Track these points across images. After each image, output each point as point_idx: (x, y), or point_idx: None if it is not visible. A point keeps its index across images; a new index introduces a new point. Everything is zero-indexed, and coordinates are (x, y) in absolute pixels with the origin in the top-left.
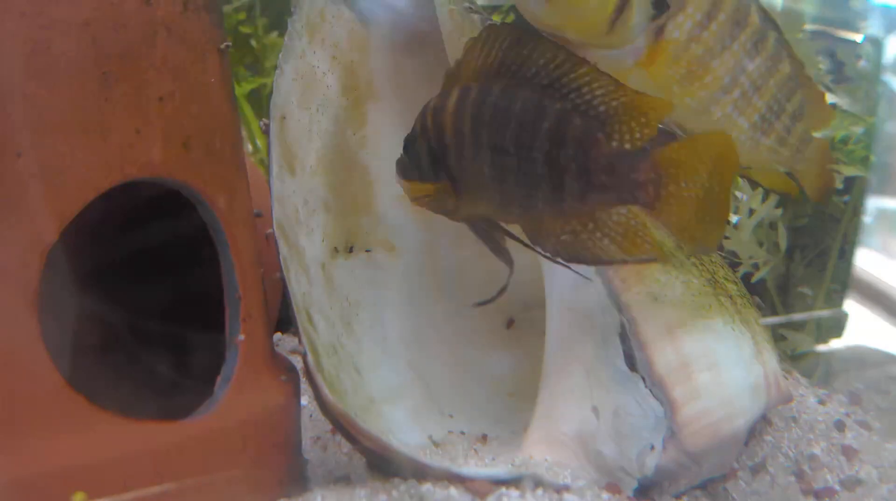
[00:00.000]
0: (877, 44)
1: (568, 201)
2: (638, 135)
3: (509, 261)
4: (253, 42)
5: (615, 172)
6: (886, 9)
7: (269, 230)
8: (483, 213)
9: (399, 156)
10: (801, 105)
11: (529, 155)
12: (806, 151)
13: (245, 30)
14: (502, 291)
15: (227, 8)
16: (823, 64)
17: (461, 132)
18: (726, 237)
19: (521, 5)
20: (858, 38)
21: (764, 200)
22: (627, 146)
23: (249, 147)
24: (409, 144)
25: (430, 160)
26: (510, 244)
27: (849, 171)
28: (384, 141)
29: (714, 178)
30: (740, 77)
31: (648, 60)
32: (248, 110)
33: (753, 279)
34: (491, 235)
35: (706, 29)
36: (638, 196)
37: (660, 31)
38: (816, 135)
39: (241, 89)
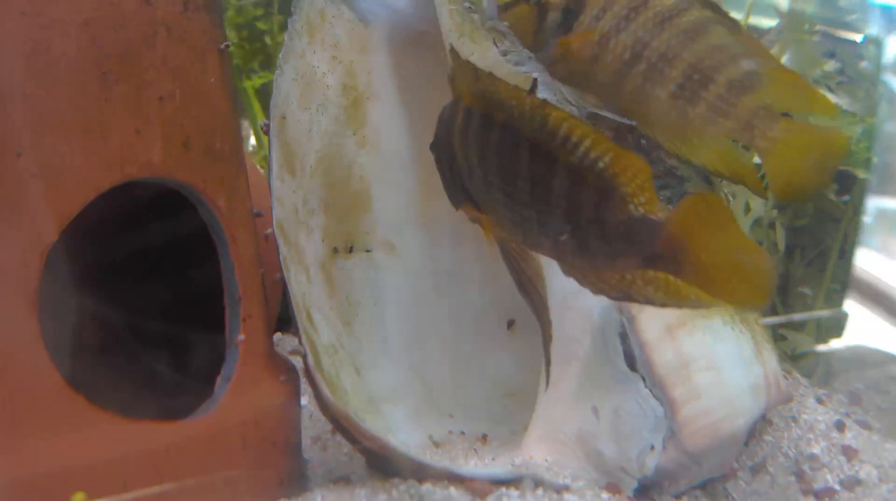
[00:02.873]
0: (877, 44)
1: (597, 258)
2: (645, 197)
3: (543, 309)
4: (267, 39)
5: (635, 240)
6: (886, 9)
7: (269, 230)
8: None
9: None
10: (747, 76)
11: (546, 208)
12: (770, 131)
13: (261, 26)
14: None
15: (244, 1)
16: (828, 65)
17: (470, 162)
18: None
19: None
20: (858, 38)
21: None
22: (641, 209)
23: (255, 143)
24: (433, 148)
25: (451, 177)
26: None
27: (858, 173)
28: (384, 141)
29: (726, 236)
30: (644, 52)
31: (560, 57)
32: (257, 106)
33: None
34: (520, 277)
35: (601, 20)
36: (663, 267)
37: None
38: (814, 123)
39: (253, 84)
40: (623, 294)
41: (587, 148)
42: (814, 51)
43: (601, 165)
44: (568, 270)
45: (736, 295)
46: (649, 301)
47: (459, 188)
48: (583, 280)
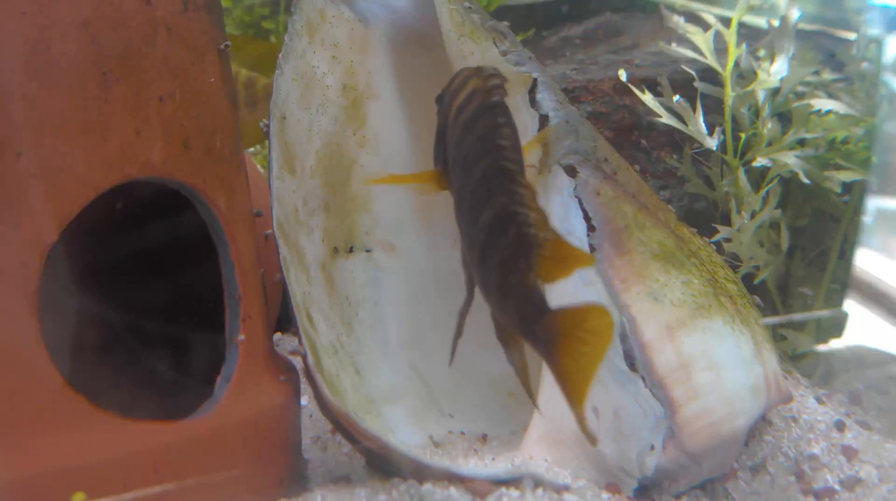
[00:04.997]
0: (877, 44)
1: (488, 299)
2: (547, 277)
3: (469, 285)
4: (273, 38)
5: (520, 307)
6: (886, 9)
7: (269, 231)
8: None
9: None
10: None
11: (472, 231)
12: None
13: (267, 25)
14: (459, 332)
15: (252, 0)
16: (826, 72)
17: (452, 141)
18: (727, 240)
19: None
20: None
21: (764, 201)
22: (539, 290)
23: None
24: (438, 102)
25: (438, 138)
26: None
27: (849, 176)
28: (384, 141)
29: (589, 349)
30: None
31: None
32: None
33: (756, 281)
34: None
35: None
36: (536, 346)
37: None
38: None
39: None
40: (502, 341)
41: (531, 206)
42: (807, 53)
43: (532, 232)
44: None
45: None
46: (511, 360)
47: (440, 151)
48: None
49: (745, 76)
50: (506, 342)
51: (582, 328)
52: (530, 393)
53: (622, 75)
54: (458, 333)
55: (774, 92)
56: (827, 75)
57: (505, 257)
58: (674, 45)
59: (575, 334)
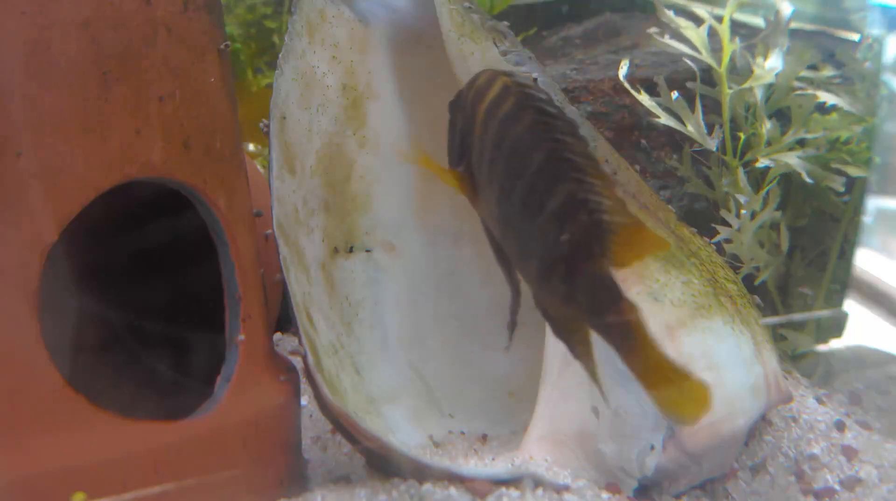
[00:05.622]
0: (878, 44)
1: (553, 292)
2: (620, 263)
3: (513, 281)
4: (275, 38)
5: (594, 298)
6: (886, 9)
7: (269, 231)
8: (492, 229)
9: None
10: None
11: (528, 225)
12: None
13: (270, 24)
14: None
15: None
16: (825, 69)
17: (483, 141)
18: (728, 241)
19: None
20: (857, 38)
21: (765, 202)
22: (615, 276)
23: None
24: (452, 101)
25: (459, 140)
26: None
27: (854, 171)
28: (384, 141)
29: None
30: None
31: None
32: None
33: (757, 282)
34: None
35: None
36: (607, 334)
37: None
38: None
39: (258, 82)
40: (562, 336)
41: (604, 194)
42: (803, 48)
43: (607, 217)
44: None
45: (669, 402)
46: (576, 355)
47: (461, 152)
48: (535, 297)
49: (741, 73)
50: (567, 336)
51: None
52: (600, 386)
53: (624, 67)
54: (512, 327)
55: (771, 89)
56: (825, 72)
57: (575, 245)
58: (667, 36)
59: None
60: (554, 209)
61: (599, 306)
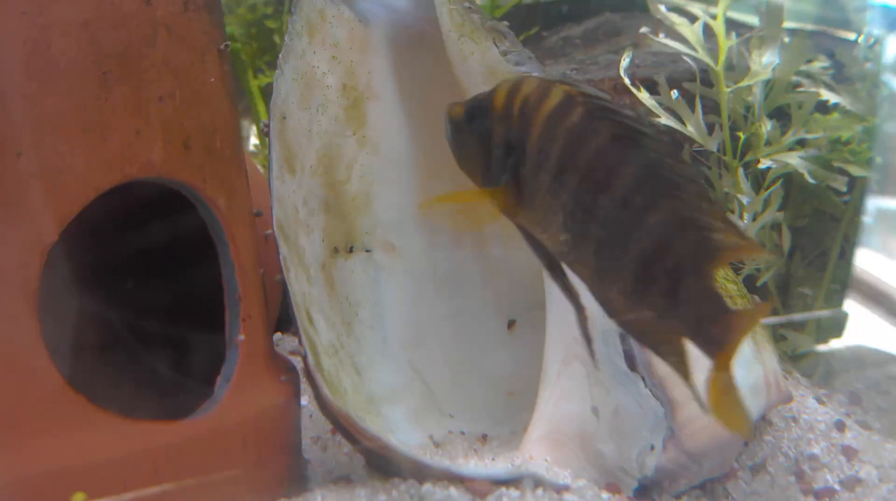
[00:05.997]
0: (878, 44)
1: (640, 301)
2: (721, 280)
3: (574, 296)
4: (275, 38)
5: (698, 313)
6: (886, 9)
7: (269, 231)
8: (546, 243)
9: (453, 116)
10: None
11: (619, 239)
12: None
13: (270, 24)
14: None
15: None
16: (816, 62)
17: (546, 152)
18: None
19: None
20: (857, 37)
21: (766, 203)
22: (720, 291)
23: (257, 143)
24: (476, 111)
25: (503, 151)
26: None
27: (856, 170)
28: (384, 141)
29: None
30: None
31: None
32: (262, 106)
33: (758, 283)
34: (550, 262)
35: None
36: (705, 346)
37: None
38: None
39: (258, 82)
40: (649, 344)
41: (711, 212)
42: (799, 47)
43: (716, 236)
44: (597, 295)
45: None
46: (669, 362)
47: (503, 168)
48: (609, 308)
49: (738, 72)
50: (656, 346)
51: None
52: (695, 392)
53: (626, 59)
54: (589, 343)
55: (770, 85)
56: (817, 63)
57: (680, 262)
58: (661, 35)
59: (749, 332)
60: (655, 225)
61: (704, 319)
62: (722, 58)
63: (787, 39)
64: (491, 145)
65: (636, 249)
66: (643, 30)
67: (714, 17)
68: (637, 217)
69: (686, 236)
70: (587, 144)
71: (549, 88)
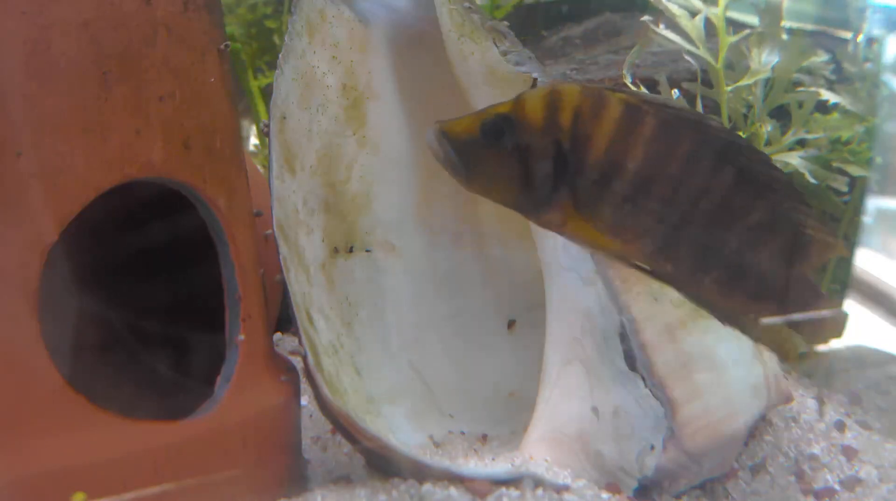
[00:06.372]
0: (878, 43)
1: (737, 291)
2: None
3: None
4: (275, 38)
5: (801, 300)
6: (886, 9)
7: (269, 231)
8: (617, 247)
9: (459, 134)
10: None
11: (717, 237)
12: None
13: (270, 24)
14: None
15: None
16: (820, 56)
17: (620, 163)
18: None
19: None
20: (858, 37)
21: None
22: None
23: (257, 143)
24: (501, 126)
25: (551, 166)
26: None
27: (856, 170)
28: (384, 141)
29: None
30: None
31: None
32: (262, 106)
33: None
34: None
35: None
36: (811, 334)
37: None
38: None
39: (258, 83)
40: (739, 326)
41: (803, 208)
42: (798, 45)
43: (810, 232)
44: (685, 287)
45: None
46: (759, 340)
47: (553, 184)
48: (698, 299)
49: (738, 71)
50: (739, 326)
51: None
52: (786, 346)
53: (634, 54)
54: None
55: (770, 83)
56: (814, 58)
57: (780, 255)
58: (662, 25)
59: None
60: (755, 223)
61: (803, 303)
62: (723, 54)
63: (786, 38)
64: (530, 162)
65: (735, 245)
66: (645, 18)
67: (714, 15)
68: (734, 217)
69: (785, 234)
70: (674, 153)
71: (603, 96)
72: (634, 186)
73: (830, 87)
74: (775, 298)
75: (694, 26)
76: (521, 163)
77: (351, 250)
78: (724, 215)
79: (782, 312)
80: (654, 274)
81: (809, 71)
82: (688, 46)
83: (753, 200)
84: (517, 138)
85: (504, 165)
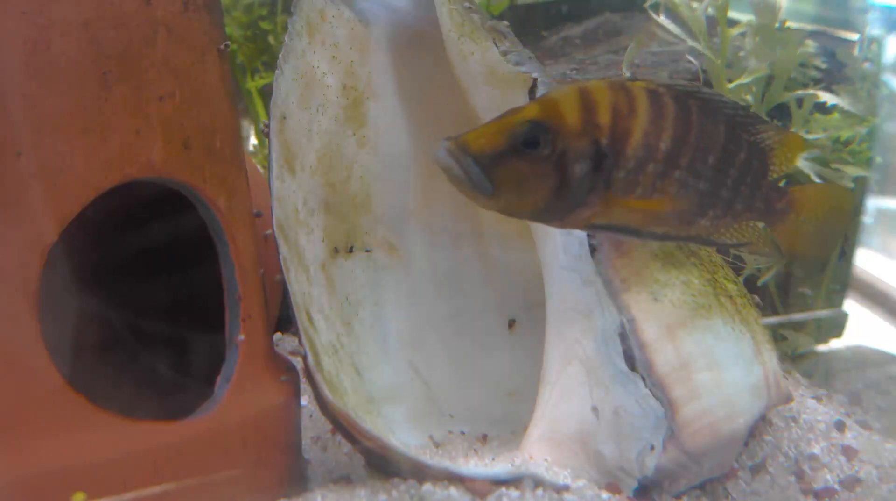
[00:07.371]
0: (878, 44)
1: (727, 216)
2: (783, 168)
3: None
4: (271, 39)
5: (768, 200)
6: (886, 9)
7: (269, 231)
8: (633, 222)
9: (484, 150)
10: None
11: (722, 179)
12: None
13: (265, 26)
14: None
15: (249, 0)
16: (808, 47)
17: (653, 146)
18: None
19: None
20: (855, 37)
21: None
22: (774, 177)
23: (256, 143)
24: (537, 135)
25: (590, 165)
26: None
27: (855, 171)
28: (384, 141)
29: (827, 222)
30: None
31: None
32: (260, 107)
33: (759, 283)
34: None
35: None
36: (772, 219)
37: None
38: None
39: (256, 84)
40: (736, 240)
41: (761, 128)
42: (794, 40)
43: (768, 142)
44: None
45: (797, 254)
46: (748, 246)
47: (590, 183)
48: (703, 235)
49: (735, 69)
50: (751, 247)
51: (826, 199)
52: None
53: (635, 50)
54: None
55: (769, 81)
56: (808, 49)
57: (743, 168)
58: (662, 16)
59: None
60: (742, 159)
61: (772, 201)
62: (725, 48)
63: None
64: (570, 165)
65: (729, 181)
66: (648, 3)
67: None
68: (730, 160)
69: (742, 148)
70: (692, 124)
71: (629, 89)
72: (665, 161)
73: (822, 80)
74: (755, 206)
75: (696, 18)
76: (559, 169)
77: (351, 250)
78: (725, 163)
79: (759, 215)
80: (655, 236)
81: (801, 63)
82: (689, 41)
83: (740, 142)
84: (554, 145)
85: (539, 174)
